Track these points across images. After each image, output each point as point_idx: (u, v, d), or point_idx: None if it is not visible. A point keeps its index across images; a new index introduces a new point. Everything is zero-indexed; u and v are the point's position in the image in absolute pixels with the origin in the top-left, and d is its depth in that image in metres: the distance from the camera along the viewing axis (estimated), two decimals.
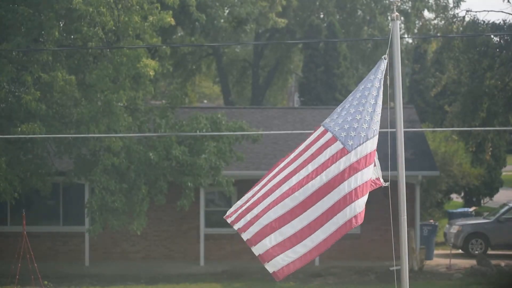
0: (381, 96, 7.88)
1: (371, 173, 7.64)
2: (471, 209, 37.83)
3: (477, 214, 37.90)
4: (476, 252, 31.53)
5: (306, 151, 7.87)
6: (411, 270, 27.16)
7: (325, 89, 43.46)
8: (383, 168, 8.07)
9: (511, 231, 31.71)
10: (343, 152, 7.63)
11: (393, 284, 8.44)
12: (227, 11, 41.06)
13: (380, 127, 7.81)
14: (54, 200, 30.13)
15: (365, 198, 7.51)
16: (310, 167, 7.73)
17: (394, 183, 8.03)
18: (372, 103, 7.78)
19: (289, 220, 7.65)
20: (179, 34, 44.10)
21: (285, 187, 7.74)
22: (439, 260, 30.44)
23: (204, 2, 37.64)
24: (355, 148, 7.63)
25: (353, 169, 7.55)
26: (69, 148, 25.65)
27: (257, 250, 7.67)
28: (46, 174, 25.71)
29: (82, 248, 29.54)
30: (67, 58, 25.15)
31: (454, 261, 29.79)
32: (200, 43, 39.62)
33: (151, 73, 23.98)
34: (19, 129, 23.02)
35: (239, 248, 30.35)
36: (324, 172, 7.62)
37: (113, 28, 24.09)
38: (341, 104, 8.01)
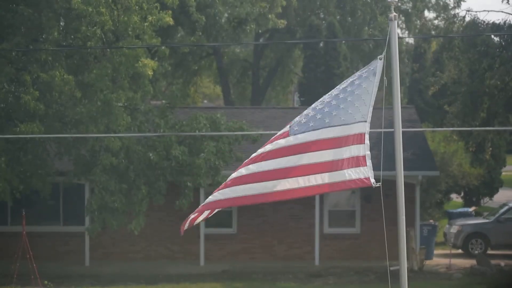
0: (363, 88, 7.81)
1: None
2: (471, 209, 37.81)
3: (477, 214, 37.88)
4: (476, 252, 31.51)
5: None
6: (411, 270, 27.16)
7: (325, 89, 43.10)
8: (383, 168, 8.05)
9: (511, 231, 31.69)
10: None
11: (393, 284, 8.44)
12: (228, 11, 40.99)
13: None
14: (54, 200, 30.08)
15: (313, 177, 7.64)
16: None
17: (394, 183, 8.01)
18: (341, 97, 7.85)
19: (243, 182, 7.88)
20: (179, 35, 44.05)
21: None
22: (439, 260, 30.43)
23: (204, 2, 37.58)
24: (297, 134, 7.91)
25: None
26: (68, 148, 25.63)
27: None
28: (46, 174, 25.68)
29: (82, 248, 29.53)
30: (66, 58, 25.14)
31: (454, 261, 29.78)
32: (200, 43, 39.57)
33: (150, 72, 23.97)
34: (18, 129, 23.00)
35: (239, 248, 30.35)
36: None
37: (112, 28, 24.09)
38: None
